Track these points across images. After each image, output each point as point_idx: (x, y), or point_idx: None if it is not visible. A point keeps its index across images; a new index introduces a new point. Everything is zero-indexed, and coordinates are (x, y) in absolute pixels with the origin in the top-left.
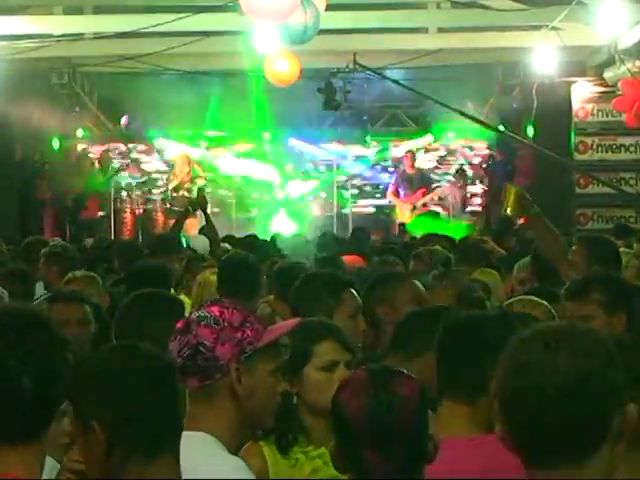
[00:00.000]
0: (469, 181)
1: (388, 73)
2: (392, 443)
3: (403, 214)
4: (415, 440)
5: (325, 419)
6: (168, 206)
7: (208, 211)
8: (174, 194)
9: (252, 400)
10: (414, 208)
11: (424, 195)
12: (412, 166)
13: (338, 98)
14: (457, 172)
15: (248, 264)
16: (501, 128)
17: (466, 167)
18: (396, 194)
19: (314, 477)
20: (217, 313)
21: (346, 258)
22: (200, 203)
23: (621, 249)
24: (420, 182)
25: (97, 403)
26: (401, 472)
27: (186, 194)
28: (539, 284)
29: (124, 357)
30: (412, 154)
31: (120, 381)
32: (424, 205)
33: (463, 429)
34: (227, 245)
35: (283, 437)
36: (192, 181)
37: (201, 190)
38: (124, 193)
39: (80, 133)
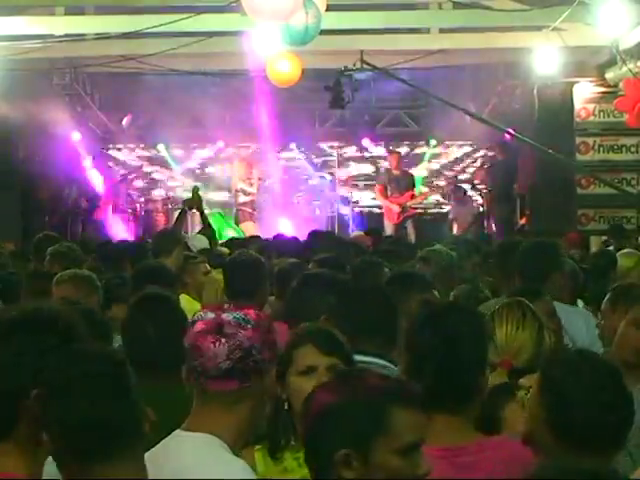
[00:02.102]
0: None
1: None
2: (307, 446)
3: (391, 215)
4: (320, 446)
5: None
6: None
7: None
8: (241, 199)
9: (264, 404)
10: (403, 210)
11: (412, 198)
12: (397, 167)
13: (345, 97)
14: (454, 189)
15: (252, 265)
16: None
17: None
18: (384, 194)
19: None
20: (254, 316)
21: None
22: (195, 202)
23: (625, 250)
24: (407, 184)
25: (55, 407)
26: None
27: (245, 198)
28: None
29: (79, 361)
30: (399, 155)
31: (76, 385)
32: (412, 207)
33: (458, 438)
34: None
35: (273, 442)
36: (252, 185)
37: (196, 189)
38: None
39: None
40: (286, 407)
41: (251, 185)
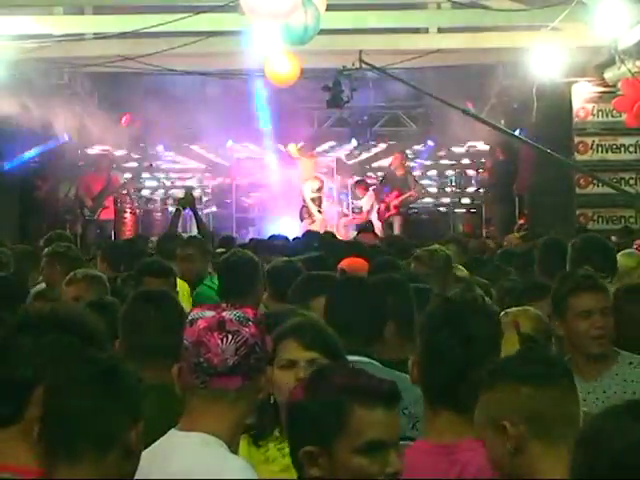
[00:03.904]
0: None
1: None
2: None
3: (379, 214)
4: (292, 442)
5: None
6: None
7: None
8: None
9: (257, 403)
10: (387, 208)
11: (397, 197)
12: (400, 167)
13: (344, 96)
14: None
15: (246, 265)
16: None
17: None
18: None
19: (286, 474)
20: (252, 314)
21: (348, 261)
22: (188, 201)
23: (627, 250)
24: (401, 184)
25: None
26: None
27: (313, 194)
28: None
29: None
30: (401, 154)
31: (64, 385)
32: (395, 207)
33: (458, 436)
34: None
35: (259, 430)
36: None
37: (189, 189)
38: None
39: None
40: (272, 400)
41: (320, 181)
